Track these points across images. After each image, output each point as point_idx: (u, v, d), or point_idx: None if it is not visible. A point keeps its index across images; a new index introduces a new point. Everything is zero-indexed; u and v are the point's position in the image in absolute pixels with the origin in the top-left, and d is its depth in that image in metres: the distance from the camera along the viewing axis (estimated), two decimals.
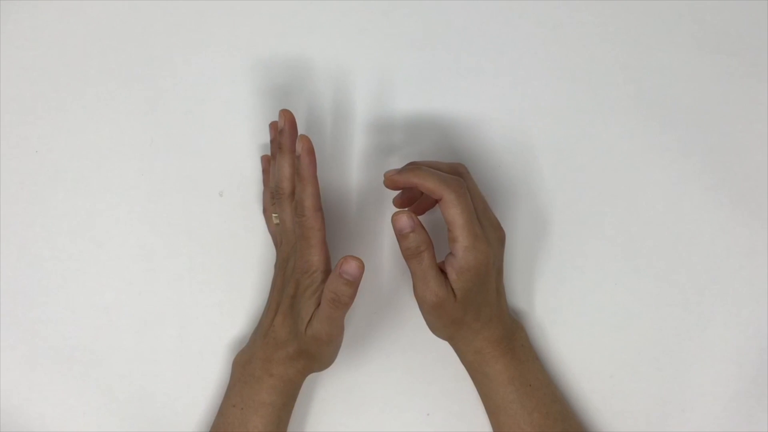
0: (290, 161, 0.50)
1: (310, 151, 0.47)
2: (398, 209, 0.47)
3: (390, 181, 0.47)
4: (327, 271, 0.47)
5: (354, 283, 0.44)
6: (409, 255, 0.46)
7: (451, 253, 0.46)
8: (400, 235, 0.46)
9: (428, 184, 0.45)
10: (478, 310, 0.47)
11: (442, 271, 0.46)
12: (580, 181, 0.55)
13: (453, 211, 0.45)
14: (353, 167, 0.55)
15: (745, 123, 0.55)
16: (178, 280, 0.54)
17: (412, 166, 0.46)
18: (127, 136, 0.56)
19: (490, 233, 0.47)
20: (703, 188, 0.54)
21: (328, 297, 0.45)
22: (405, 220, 0.45)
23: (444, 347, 0.50)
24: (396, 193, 0.52)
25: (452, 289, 0.46)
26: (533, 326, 0.53)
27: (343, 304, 0.44)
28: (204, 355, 0.53)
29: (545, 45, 0.56)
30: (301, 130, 0.56)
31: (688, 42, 0.56)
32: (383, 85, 0.56)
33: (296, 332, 0.47)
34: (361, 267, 0.44)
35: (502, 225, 0.49)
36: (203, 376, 0.53)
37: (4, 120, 0.56)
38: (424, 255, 0.45)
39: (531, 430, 0.48)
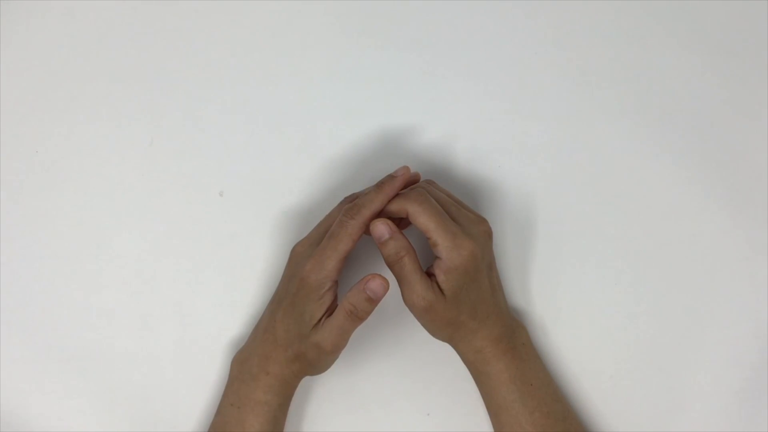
0: (383, 198, 0.48)
1: (405, 181, 0.48)
2: (375, 219, 0.47)
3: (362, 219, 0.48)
4: (335, 281, 0.47)
5: (375, 302, 0.46)
6: (390, 262, 0.47)
7: (436, 257, 0.46)
8: (380, 243, 0.47)
9: (391, 206, 0.47)
10: (473, 309, 0.47)
11: (431, 275, 0.47)
12: (580, 181, 0.55)
13: (421, 219, 0.46)
14: (353, 168, 0.55)
15: (745, 123, 0.55)
16: (178, 280, 0.54)
17: (370, 197, 0.47)
18: (127, 136, 0.56)
19: (471, 229, 0.47)
20: (703, 188, 0.54)
21: (346, 308, 0.46)
22: (382, 228, 0.47)
23: (444, 347, 0.50)
24: None
25: (441, 291, 0.46)
26: (533, 326, 0.53)
27: (359, 318, 0.46)
28: (204, 355, 0.53)
29: (544, 45, 0.56)
30: (298, 130, 0.56)
31: (688, 42, 0.56)
32: (382, 86, 0.56)
33: (297, 333, 0.47)
34: (386, 287, 0.46)
35: (503, 225, 0.49)
36: (203, 376, 0.53)
37: (4, 120, 0.56)
38: (405, 260, 0.46)
39: (532, 430, 0.48)
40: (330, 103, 0.56)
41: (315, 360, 0.48)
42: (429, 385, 0.53)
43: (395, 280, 0.47)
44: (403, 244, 0.46)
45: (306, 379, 0.51)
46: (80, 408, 0.53)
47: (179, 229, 0.55)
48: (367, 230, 0.48)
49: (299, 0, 0.57)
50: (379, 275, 0.46)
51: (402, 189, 0.49)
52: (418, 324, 0.49)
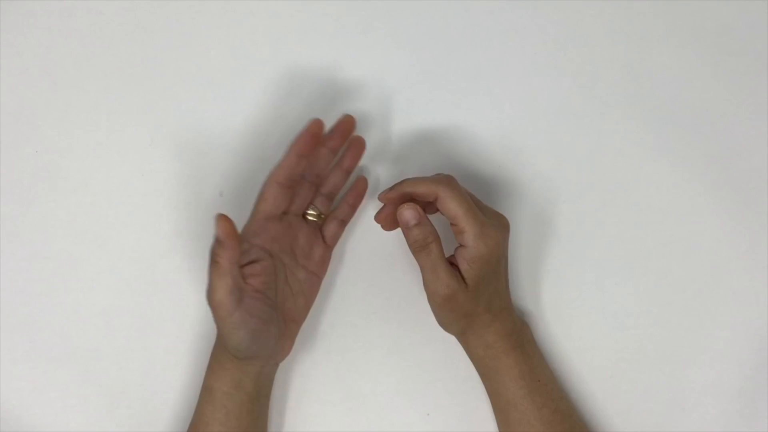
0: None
1: (315, 133, 0.49)
2: (403, 204, 0.47)
3: (386, 199, 0.48)
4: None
5: (219, 240, 0.44)
6: (416, 248, 0.46)
7: (460, 246, 0.46)
8: (406, 228, 0.46)
9: (420, 188, 0.46)
10: (489, 301, 0.47)
11: (452, 264, 0.46)
12: (580, 181, 0.55)
13: (452, 205, 0.45)
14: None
15: (745, 123, 0.55)
16: (178, 280, 0.54)
17: (401, 181, 0.47)
18: (127, 136, 0.56)
19: (494, 221, 0.47)
20: (703, 188, 0.54)
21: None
22: (410, 213, 0.46)
23: (444, 347, 0.50)
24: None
25: (464, 280, 0.45)
26: (534, 325, 0.53)
27: (214, 261, 0.45)
28: (204, 355, 0.53)
29: (545, 45, 0.56)
30: (300, 130, 0.56)
31: (688, 42, 0.56)
32: (383, 86, 0.56)
33: None
34: (224, 227, 0.44)
35: None
36: (202, 377, 0.53)
37: (4, 120, 0.56)
38: (432, 247, 0.45)
39: (540, 426, 0.48)
40: (330, 104, 0.56)
41: (216, 323, 0.46)
42: (429, 385, 0.53)
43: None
44: (430, 230, 0.46)
45: (304, 379, 0.51)
46: (80, 408, 0.53)
47: (179, 229, 0.55)
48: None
49: (299, 0, 0.57)
50: (220, 214, 0.44)
51: (338, 143, 0.50)
52: (419, 324, 0.49)
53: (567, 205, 0.55)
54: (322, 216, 0.52)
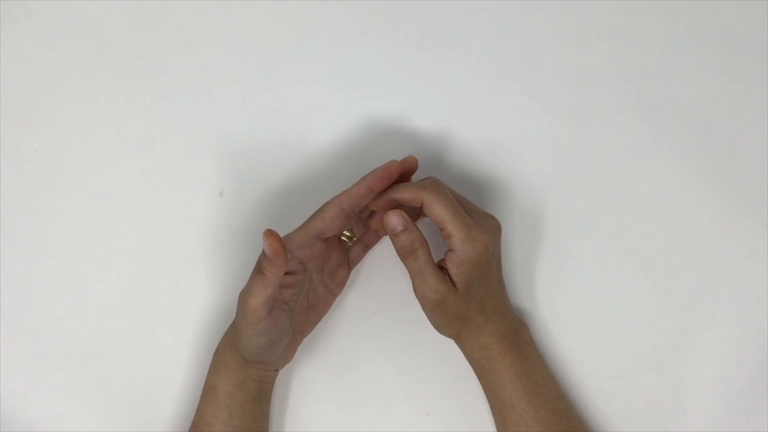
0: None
1: (389, 176, 0.47)
2: (389, 210, 0.47)
3: (375, 206, 0.48)
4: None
5: (268, 257, 0.44)
6: (403, 254, 0.46)
7: (449, 250, 0.46)
8: (393, 235, 0.46)
9: (406, 194, 0.47)
10: (481, 304, 0.47)
11: (442, 268, 0.46)
12: (580, 180, 0.55)
13: (437, 209, 0.45)
14: (353, 167, 0.55)
15: (745, 123, 0.55)
16: (178, 280, 0.54)
17: (388, 187, 0.48)
18: (127, 136, 0.56)
19: (483, 223, 0.47)
20: (703, 188, 0.54)
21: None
22: (396, 219, 0.46)
23: (444, 347, 0.50)
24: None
25: (453, 284, 0.46)
26: (534, 325, 0.53)
27: (260, 273, 0.45)
28: (204, 355, 0.53)
29: (545, 44, 0.56)
30: (299, 131, 0.56)
31: (688, 42, 0.56)
32: (383, 86, 0.56)
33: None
34: (273, 244, 0.43)
35: (504, 225, 0.49)
36: (203, 376, 0.53)
37: (4, 120, 0.56)
38: (419, 252, 0.46)
39: (537, 427, 0.48)
40: (332, 104, 0.56)
41: (238, 324, 0.46)
42: (429, 385, 0.53)
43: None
44: (417, 236, 0.46)
45: (305, 379, 0.50)
46: (80, 408, 0.53)
47: (179, 229, 0.55)
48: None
49: (299, 0, 0.57)
50: (269, 230, 0.44)
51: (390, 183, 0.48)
52: (419, 324, 0.49)
53: (567, 205, 0.55)
54: (354, 238, 0.52)
